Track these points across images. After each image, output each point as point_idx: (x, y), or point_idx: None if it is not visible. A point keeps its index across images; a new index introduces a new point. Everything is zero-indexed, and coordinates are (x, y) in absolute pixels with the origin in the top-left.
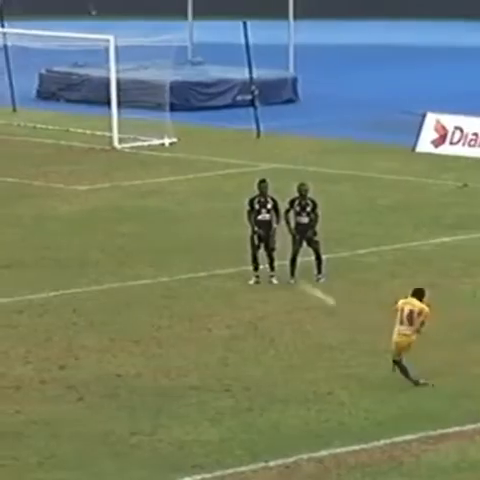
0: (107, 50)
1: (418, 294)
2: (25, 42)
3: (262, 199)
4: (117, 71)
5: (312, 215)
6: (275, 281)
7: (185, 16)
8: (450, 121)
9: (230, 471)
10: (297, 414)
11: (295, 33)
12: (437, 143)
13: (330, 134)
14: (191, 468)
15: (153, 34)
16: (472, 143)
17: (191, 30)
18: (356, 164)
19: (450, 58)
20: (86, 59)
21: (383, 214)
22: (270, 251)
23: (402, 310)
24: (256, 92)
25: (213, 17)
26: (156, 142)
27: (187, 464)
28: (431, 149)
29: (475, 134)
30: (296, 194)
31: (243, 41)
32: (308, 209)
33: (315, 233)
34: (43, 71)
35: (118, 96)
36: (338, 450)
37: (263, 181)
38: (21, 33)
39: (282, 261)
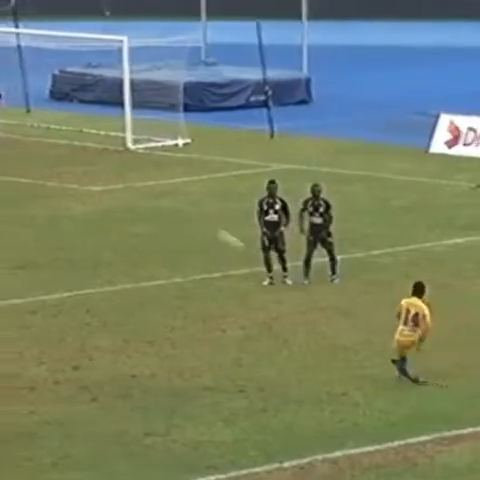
0: (121, 51)
1: (419, 291)
2: (39, 42)
3: (270, 200)
4: (131, 72)
5: (325, 216)
6: (289, 282)
7: (199, 17)
8: (464, 122)
9: (244, 472)
10: (311, 415)
11: (308, 34)
12: (450, 144)
13: (343, 135)
14: (205, 469)
15: (167, 35)
16: None
17: (205, 31)
18: (369, 165)
19: (464, 59)
20: (100, 60)
21: (396, 215)
22: (280, 253)
23: (407, 311)
24: (270, 93)
25: (227, 18)
26: (170, 143)
27: (201, 465)
28: (444, 150)
29: None
30: (309, 195)
31: (257, 41)
32: (321, 210)
33: (329, 234)
34: (56, 72)
35: (132, 97)
36: (352, 451)
37: (272, 182)
38: (35, 34)
39: (296, 262)
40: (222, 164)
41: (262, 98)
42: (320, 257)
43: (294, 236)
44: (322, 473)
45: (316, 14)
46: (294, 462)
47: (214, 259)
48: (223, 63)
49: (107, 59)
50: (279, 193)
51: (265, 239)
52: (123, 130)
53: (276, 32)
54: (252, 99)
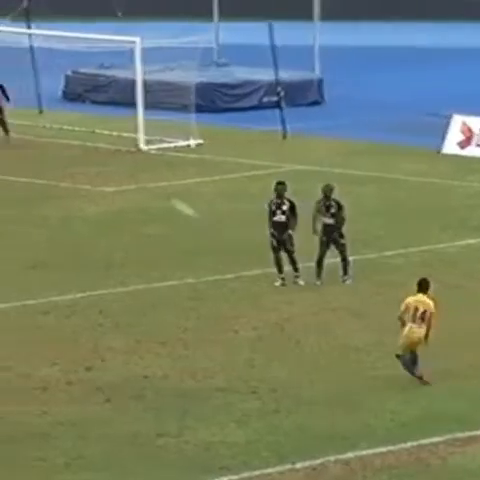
0: (133, 51)
1: (424, 287)
2: (51, 43)
3: (278, 201)
4: (143, 72)
5: (337, 216)
6: (301, 282)
7: (211, 18)
8: (476, 123)
9: (257, 473)
10: (323, 416)
11: (320, 35)
12: (463, 145)
13: (356, 136)
14: (218, 470)
15: (179, 36)
16: None
17: (217, 32)
18: (382, 166)
19: (477, 60)
20: (112, 60)
21: (409, 216)
22: (289, 253)
23: (416, 308)
24: (282, 93)
25: (239, 19)
26: (182, 143)
27: (214, 466)
28: (457, 151)
29: None
30: (321, 195)
31: (269, 42)
32: (332, 210)
33: (342, 235)
34: (69, 72)
35: (144, 97)
36: (364, 452)
37: (280, 183)
38: (47, 34)
39: (308, 263)
40: (234, 165)
41: (274, 99)
42: (332, 258)
43: (305, 236)
44: (334, 474)
45: (328, 15)
46: (306, 463)
47: (226, 260)
48: (235, 64)
49: (120, 60)
50: (291, 194)
51: (273, 240)
52: (135, 131)
53: (288, 33)
54: (264, 100)
